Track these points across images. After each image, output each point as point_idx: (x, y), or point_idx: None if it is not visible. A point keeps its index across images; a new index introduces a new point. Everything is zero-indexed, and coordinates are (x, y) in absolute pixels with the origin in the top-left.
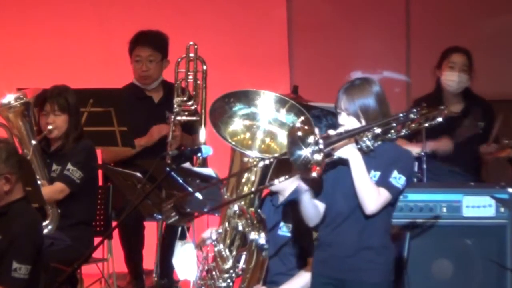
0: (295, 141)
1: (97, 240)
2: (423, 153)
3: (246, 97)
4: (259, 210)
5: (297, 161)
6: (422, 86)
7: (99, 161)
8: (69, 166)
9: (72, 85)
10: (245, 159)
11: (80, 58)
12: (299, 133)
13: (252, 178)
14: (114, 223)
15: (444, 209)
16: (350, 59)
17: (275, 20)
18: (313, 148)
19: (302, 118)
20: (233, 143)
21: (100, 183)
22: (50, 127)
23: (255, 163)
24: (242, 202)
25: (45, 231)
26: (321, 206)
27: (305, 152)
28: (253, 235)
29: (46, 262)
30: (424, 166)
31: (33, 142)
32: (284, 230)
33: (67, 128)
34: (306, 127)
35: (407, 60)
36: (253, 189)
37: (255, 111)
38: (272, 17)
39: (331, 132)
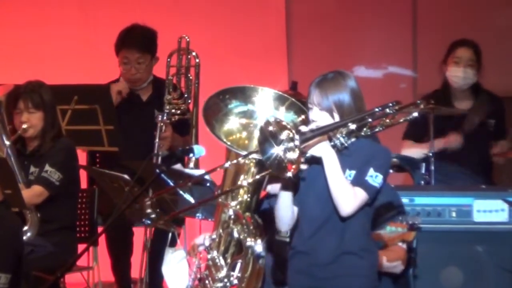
0: (267, 137)
1: (81, 247)
2: (430, 154)
3: (243, 93)
4: (255, 215)
5: (268, 160)
6: (429, 82)
7: (84, 162)
8: (47, 167)
9: (55, 81)
10: (241, 160)
11: (64, 52)
12: (271, 129)
13: (249, 180)
14: (100, 229)
15: (454, 214)
16: (353, 53)
17: (272, 10)
18: (287, 145)
19: (303, 116)
20: (228, 143)
21: (85, 185)
22: (24, 125)
23: (251, 164)
24: (238, 207)
25: (25, 237)
26: (294, 209)
27: (277, 150)
28: (249, 242)
29: (26, 271)
30: (432, 167)
31: (7, 143)
32: (282, 235)
33: (43, 126)
34: (279, 123)
35: (414, 54)
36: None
37: (252, 108)
38: (269, 7)
39: (303, 128)
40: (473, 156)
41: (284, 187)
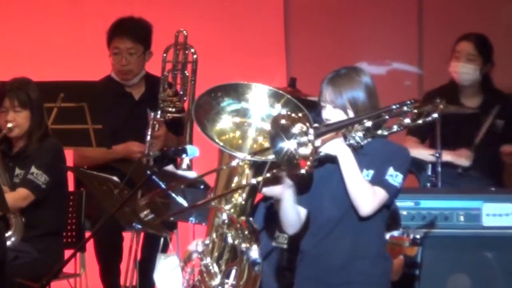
0: (278, 131)
1: (68, 252)
2: (437, 154)
3: (235, 91)
4: (251, 219)
5: (279, 155)
6: (435, 79)
7: (71, 164)
8: (33, 169)
9: (41, 78)
10: (235, 161)
11: (50, 47)
12: (282, 122)
13: (243, 182)
14: (87, 234)
15: (462, 218)
16: (355, 48)
17: (270, 3)
18: (299, 139)
19: (300, 115)
20: (221, 143)
21: (72, 188)
22: (10, 125)
23: (245, 166)
24: (232, 210)
25: (8, 243)
26: (302, 211)
27: (288, 144)
28: (244, 248)
29: (10, 278)
30: (439, 169)
31: None
32: (280, 240)
33: (30, 126)
34: (292, 115)
35: (419, 50)
36: (244, 195)
37: (246, 106)
38: (266, 0)
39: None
40: (483, 157)
41: (286, 188)
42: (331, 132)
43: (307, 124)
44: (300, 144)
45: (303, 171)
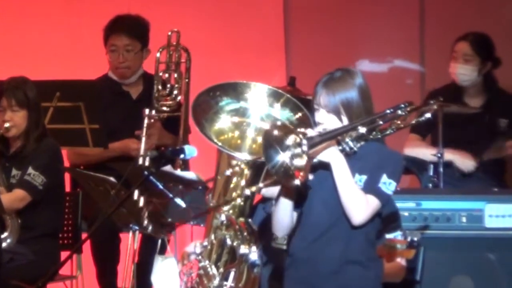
0: (271, 143)
1: (64, 254)
2: (439, 155)
3: (234, 90)
4: (249, 220)
5: (274, 168)
6: (437, 77)
7: (67, 164)
8: (30, 170)
9: (38, 77)
10: (234, 162)
11: (45, 45)
12: (276, 133)
13: (242, 183)
14: (84, 235)
15: (464, 219)
16: (356, 46)
17: (270, 3)
18: (293, 151)
19: (300, 114)
20: (220, 143)
21: (68, 189)
22: (7, 124)
23: (244, 166)
24: (231, 211)
25: (4, 244)
26: (294, 215)
27: (283, 157)
28: (243, 249)
29: (6, 280)
30: (441, 169)
31: None
32: (279, 242)
33: (27, 125)
34: (285, 126)
35: (421, 47)
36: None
37: (245, 106)
38: (266, 0)
39: (310, 132)
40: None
41: (286, 194)
42: (325, 142)
43: (300, 136)
44: (294, 156)
45: (297, 182)
